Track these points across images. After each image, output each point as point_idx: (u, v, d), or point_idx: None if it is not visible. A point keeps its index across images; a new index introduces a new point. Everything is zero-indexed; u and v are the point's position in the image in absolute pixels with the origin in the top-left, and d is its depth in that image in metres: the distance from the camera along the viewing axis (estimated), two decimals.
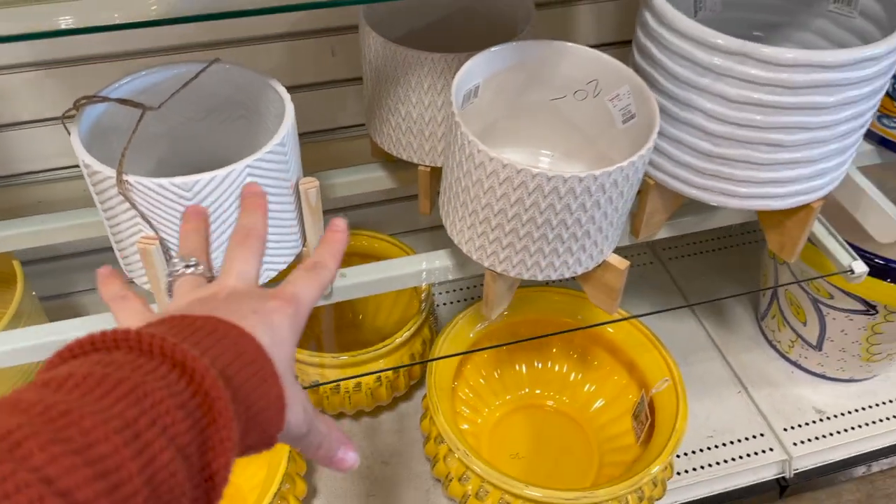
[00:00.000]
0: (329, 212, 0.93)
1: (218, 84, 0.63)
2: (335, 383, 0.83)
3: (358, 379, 0.84)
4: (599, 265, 0.64)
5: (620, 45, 0.88)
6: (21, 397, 0.25)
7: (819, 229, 0.75)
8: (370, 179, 0.80)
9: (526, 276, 0.62)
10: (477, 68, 0.62)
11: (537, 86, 0.66)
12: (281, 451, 0.76)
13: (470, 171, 0.57)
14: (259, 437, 0.32)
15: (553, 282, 0.92)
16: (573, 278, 0.65)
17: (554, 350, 0.96)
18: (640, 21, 0.64)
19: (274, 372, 0.33)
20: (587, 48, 0.63)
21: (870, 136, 0.76)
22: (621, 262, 0.64)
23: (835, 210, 0.76)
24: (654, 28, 0.61)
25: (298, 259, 0.63)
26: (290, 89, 0.81)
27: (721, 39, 0.56)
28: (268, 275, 0.60)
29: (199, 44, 0.76)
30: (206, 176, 0.51)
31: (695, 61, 0.58)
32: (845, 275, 0.72)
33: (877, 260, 0.76)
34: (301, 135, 0.85)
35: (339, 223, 0.44)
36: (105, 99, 0.57)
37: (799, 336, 0.95)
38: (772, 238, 0.73)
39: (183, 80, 0.60)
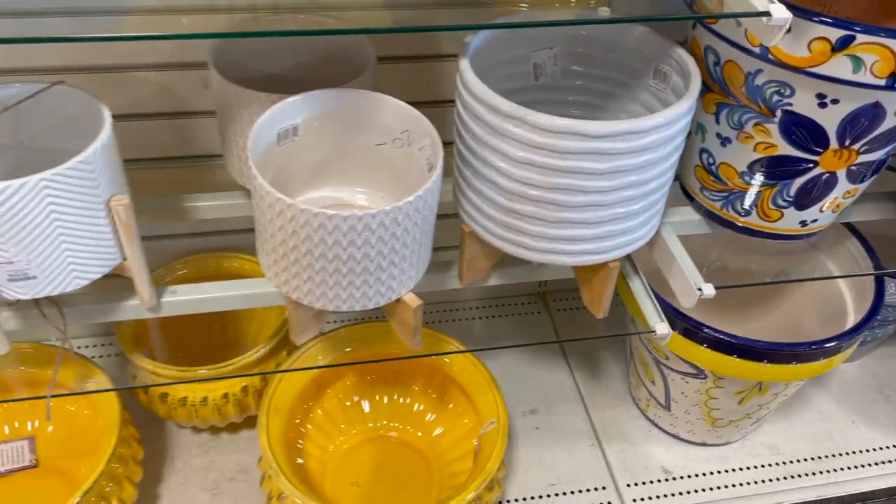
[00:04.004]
0: (203, 234, 1.00)
1: (63, 104, 0.68)
2: (183, 396, 0.88)
3: (204, 394, 0.88)
4: (396, 302, 0.69)
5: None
6: None
7: (636, 285, 0.79)
8: (232, 205, 0.85)
9: (317, 306, 0.66)
10: (292, 109, 0.67)
11: (362, 131, 0.71)
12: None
13: (262, 208, 0.61)
14: None
15: None
16: None
17: (415, 388, 0.99)
18: (457, 83, 0.69)
19: None
20: (399, 101, 0.68)
21: (698, 207, 0.80)
22: (413, 301, 0.68)
23: None
24: (460, 88, 0.66)
25: (117, 269, 0.68)
26: (165, 115, 0.88)
27: (504, 105, 0.61)
28: (77, 282, 0.65)
29: (79, 67, 0.82)
30: None
31: (485, 122, 0.63)
32: (651, 335, 0.75)
33: (689, 322, 0.80)
34: (174, 158, 0.92)
35: None
36: None
37: (651, 395, 0.98)
38: (584, 293, 0.77)
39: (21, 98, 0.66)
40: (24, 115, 0.68)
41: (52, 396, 0.76)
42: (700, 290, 0.72)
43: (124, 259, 0.68)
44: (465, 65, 0.65)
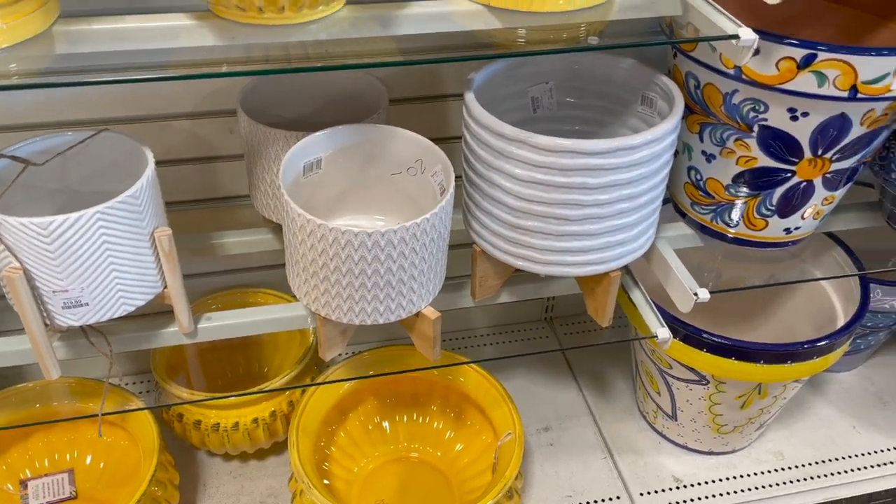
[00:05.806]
0: (229, 272, 1.06)
1: (108, 150, 0.75)
2: (215, 423, 0.93)
3: (236, 419, 0.93)
4: (416, 316, 0.74)
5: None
6: None
7: (637, 296, 0.84)
8: (258, 241, 0.92)
9: (345, 321, 0.72)
10: (316, 144, 0.74)
11: (378, 162, 0.78)
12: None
13: (293, 231, 0.68)
14: None
15: None
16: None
17: (433, 408, 1.04)
18: (463, 115, 0.76)
19: None
20: (412, 133, 0.75)
21: (690, 222, 0.87)
22: (432, 313, 0.74)
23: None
24: (466, 118, 0.73)
25: (158, 298, 0.74)
26: (196, 160, 0.95)
27: (507, 129, 0.68)
28: (124, 308, 0.71)
29: (118, 118, 0.89)
30: (59, 218, 0.63)
31: (491, 146, 0.70)
32: (654, 339, 0.81)
33: (689, 329, 0.85)
34: (204, 200, 0.99)
35: None
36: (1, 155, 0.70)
37: (658, 406, 1.03)
38: (588, 303, 0.83)
39: (72, 145, 0.73)
40: (71, 160, 0.75)
41: (104, 414, 0.82)
42: (696, 294, 0.78)
43: (165, 287, 0.74)
44: (470, 97, 0.73)
